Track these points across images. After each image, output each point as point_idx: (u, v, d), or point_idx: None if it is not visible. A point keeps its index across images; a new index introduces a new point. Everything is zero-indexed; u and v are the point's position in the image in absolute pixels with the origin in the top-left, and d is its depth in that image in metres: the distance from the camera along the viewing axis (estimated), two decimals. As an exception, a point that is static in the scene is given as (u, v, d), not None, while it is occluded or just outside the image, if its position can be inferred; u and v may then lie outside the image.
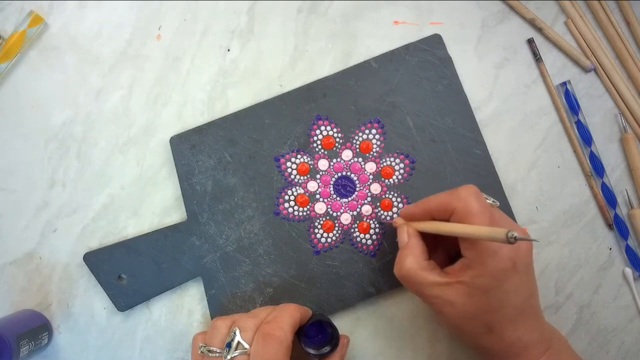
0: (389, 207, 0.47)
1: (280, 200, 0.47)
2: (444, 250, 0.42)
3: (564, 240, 0.49)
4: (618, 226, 0.48)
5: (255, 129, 0.47)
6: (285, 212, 0.47)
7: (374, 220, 0.47)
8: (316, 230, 0.47)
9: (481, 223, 0.35)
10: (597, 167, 0.48)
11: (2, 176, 0.48)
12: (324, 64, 0.49)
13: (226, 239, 0.47)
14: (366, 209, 0.47)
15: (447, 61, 0.47)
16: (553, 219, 0.49)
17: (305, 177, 0.47)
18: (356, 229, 0.47)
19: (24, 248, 0.48)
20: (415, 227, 0.40)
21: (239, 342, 0.38)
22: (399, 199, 0.47)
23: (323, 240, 0.47)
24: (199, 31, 0.49)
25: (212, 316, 0.46)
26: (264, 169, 0.47)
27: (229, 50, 0.49)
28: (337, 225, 0.47)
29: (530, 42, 0.49)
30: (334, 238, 0.47)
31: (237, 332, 0.39)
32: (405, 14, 0.49)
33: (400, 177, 0.47)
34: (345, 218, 0.47)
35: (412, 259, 0.38)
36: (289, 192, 0.47)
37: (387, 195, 0.47)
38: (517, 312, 0.36)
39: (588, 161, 0.49)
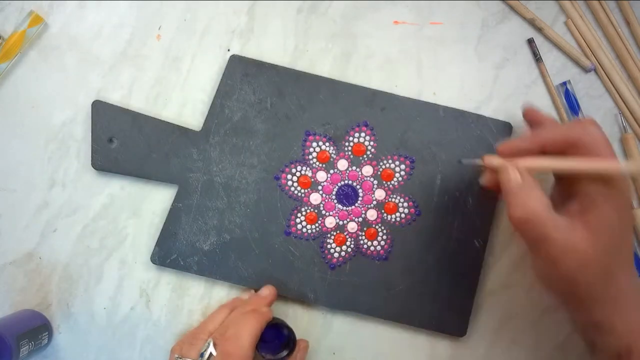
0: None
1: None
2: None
3: (564, 240, 0.49)
4: (618, 226, 0.48)
5: (307, 96, 0.47)
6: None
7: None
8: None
9: (609, 154, 0.33)
10: None
11: (2, 176, 0.48)
12: (324, 64, 0.49)
13: (220, 170, 0.47)
14: (352, 227, 0.47)
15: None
16: (553, 219, 0.49)
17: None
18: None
19: (24, 248, 0.48)
20: (525, 165, 0.35)
21: (211, 354, 0.39)
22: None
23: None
24: (199, 31, 0.49)
25: (164, 227, 0.47)
26: (291, 135, 0.47)
27: (229, 50, 0.49)
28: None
29: (530, 42, 0.49)
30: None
31: (211, 344, 0.39)
32: (405, 14, 0.49)
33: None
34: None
35: (537, 198, 0.33)
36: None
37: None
38: (630, 257, 0.35)
39: None
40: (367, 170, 0.47)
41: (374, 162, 0.47)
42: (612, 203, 0.33)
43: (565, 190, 0.37)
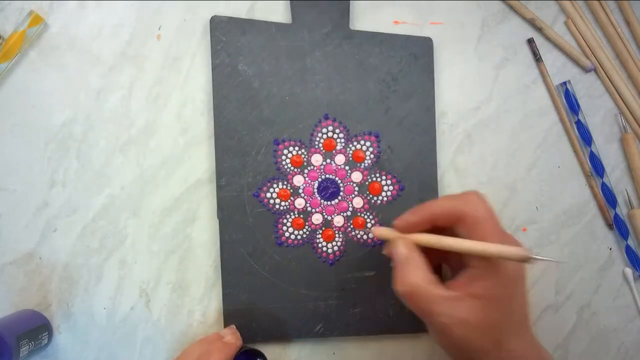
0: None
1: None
2: (430, 261, 0.39)
3: (564, 240, 0.49)
4: (618, 226, 0.48)
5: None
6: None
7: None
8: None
9: (493, 230, 0.34)
10: (597, 167, 0.48)
11: (2, 176, 0.48)
12: None
13: None
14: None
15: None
16: (553, 219, 0.49)
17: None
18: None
19: (24, 248, 0.48)
20: (415, 240, 0.37)
21: None
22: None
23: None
24: (199, 31, 0.49)
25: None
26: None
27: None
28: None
29: (530, 42, 0.49)
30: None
31: None
32: (405, 14, 0.49)
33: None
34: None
35: (418, 272, 0.35)
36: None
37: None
38: (522, 322, 0.35)
39: (588, 161, 0.49)
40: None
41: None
42: (497, 275, 0.34)
43: (457, 261, 0.38)
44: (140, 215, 0.48)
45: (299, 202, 0.47)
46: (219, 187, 0.46)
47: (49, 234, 0.48)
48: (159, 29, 0.49)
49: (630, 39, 0.49)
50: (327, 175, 0.47)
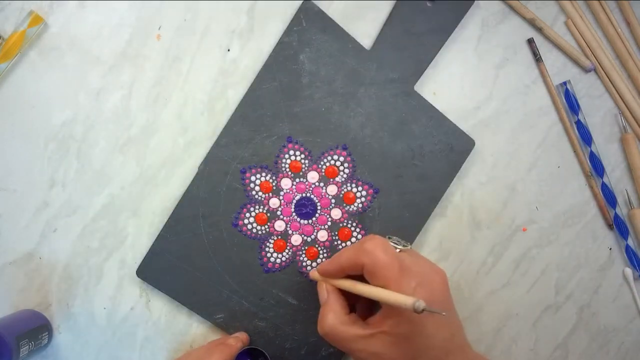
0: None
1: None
2: (366, 299, 0.42)
3: (564, 240, 0.49)
4: (618, 226, 0.48)
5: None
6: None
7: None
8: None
9: (390, 276, 0.35)
10: (597, 167, 0.48)
11: (2, 176, 0.48)
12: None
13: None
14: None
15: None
16: (553, 219, 0.49)
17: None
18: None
19: (24, 248, 0.48)
20: (333, 284, 0.40)
21: None
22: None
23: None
24: (199, 31, 0.49)
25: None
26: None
27: (229, 50, 0.49)
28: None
29: (530, 42, 0.49)
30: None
31: None
32: (405, 14, 0.49)
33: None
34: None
35: (332, 315, 0.38)
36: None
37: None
38: (444, 353, 0.36)
39: (588, 161, 0.49)
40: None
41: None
42: (403, 315, 0.35)
43: (374, 302, 0.40)
44: (140, 215, 0.48)
45: (274, 202, 0.47)
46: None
47: (49, 234, 0.48)
48: (159, 29, 0.49)
49: (630, 39, 0.49)
50: (312, 196, 0.47)
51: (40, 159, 0.48)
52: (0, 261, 0.48)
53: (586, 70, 0.49)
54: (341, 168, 0.47)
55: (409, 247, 0.40)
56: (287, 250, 0.47)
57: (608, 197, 0.48)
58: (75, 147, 0.48)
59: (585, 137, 0.48)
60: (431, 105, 0.47)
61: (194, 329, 0.48)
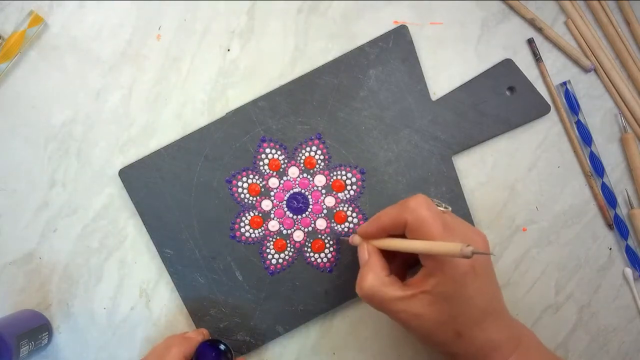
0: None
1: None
2: (402, 260, 0.42)
3: (564, 240, 0.49)
4: (618, 226, 0.48)
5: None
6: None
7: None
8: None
9: (435, 232, 0.35)
10: (597, 167, 0.48)
11: (2, 176, 0.48)
12: (324, 64, 0.49)
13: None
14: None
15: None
16: (553, 219, 0.49)
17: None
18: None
19: (24, 248, 0.48)
20: (374, 245, 0.40)
21: None
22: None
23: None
24: (199, 31, 0.49)
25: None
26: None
27: (229, 50, 0.49)
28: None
29: (530, 42, 0.49)
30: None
31: None
32: (405, 14, 0.49)
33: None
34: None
35: (372, 276, 0.38)
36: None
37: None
38: (483, 314, 0.36)
39: (588, 161, 0.49)
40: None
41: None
42: (444, 272, 0.35)
43: (412, 259, 0.42)
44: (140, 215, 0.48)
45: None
46: None
47: (49, 234, 0.48)
48: (159, 29, 0.49)
49: (630, 39, 0.49)
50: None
51: (40, 159, 0.48)
52: (0, 261, 0.48)
53: (586, 70, 0.49)
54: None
55: (449, 209, 0.39)
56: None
57: (608, 197, 0.48)
58: (75, 147, 0.48)
59: (585, 137, 0.48)
60: (457, 180, 0.47)
61: (193, 329, 0.48)
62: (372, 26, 0.49)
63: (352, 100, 0.47)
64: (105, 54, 0.48)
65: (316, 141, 0.47)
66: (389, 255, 0.40)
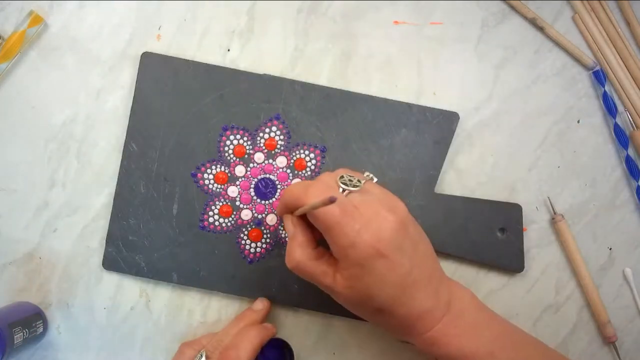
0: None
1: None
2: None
3: (564, 241, 0.49)
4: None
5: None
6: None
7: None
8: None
9: (330, 219, 0.35)
10: (632, 170, 0.48)
11: (2, 176, 0.48)
12: (323, 64, 0.49)
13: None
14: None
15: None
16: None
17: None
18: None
19: (24, 248, 0.48)
20: (295, 214, 0.39)
21: None
22: None
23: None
24: (199, 31, 0.49)
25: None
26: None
27: (229, 50, 0.49)
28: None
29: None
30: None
31: (204, 355, 0.41)
32: (405, 14, 0.49)
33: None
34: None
35: (299, 250, 0.38)
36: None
37: None
38: (399, 291, 0.36)
39: (624, 164, 0.48)
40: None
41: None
42: (349, 259, 0.35)
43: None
44: (140, 215, 0.48)
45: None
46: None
47: (49, 234, 0.48)
48: (159, 29, 0.49)
49: (630, 39, 0.49)
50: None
51: (40, 159, 0.48)
52: (0, 261, 0.48)
53: (588, 69, 0.49)
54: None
55: (362, 183, 0.37)
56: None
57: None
58: (75, 147, 0.48)
59: (623, 140, 0.48)
60: None
61: (194, 329, 0.48)
62: (372, 26, 0.49)
63: (370, 140, 0.47)
64: (105, 54, 0.48)
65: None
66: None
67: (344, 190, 0.37)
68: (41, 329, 0.46)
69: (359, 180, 0.37)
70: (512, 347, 0.39)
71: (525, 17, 0.49)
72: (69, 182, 0.48)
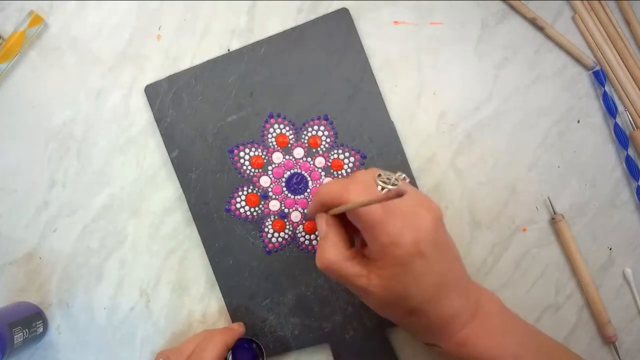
0: None
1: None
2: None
3: (564, 240, 0.49)
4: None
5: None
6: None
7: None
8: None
9: (373, 218, 0.35)
10: (633, 170, 0.48)
11: (2, 176, 0.48)
12: None
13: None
14: None
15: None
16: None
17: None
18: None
19: (24, 248, 0.48)
20: (332, 213, 0.38)
21: None
22: None
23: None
24: (199, 31, 0.49)
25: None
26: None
27: (229, 50, 0.49)
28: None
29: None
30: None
31: None
32: (405, 14, 0.49)
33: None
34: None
35: (333, 250, 0.37)
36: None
37: None
38: (435, 291, 0.36)
39: (624, 164, 0.48)
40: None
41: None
42: (389, 258, 0.35)
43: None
44: (140, 215, 0.48)
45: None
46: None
47: (49, 234, 0.48)
48: (159, 29, 0.49)
49: (630, 39, 0.49)
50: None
51: (40, 159, 0.48)
52: (0, 261, 0.48)
53: (588, 69, 0.49)
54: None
55: (398, 183, 0.37)
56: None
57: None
58: (75, 147, 0.48)
59: (623, 140, 0.48)
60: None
61: (194, 329, 0.48)
62: (372, 26, 0.49)
63: None
64: (105, 54, 0.48)
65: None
66: (351, 229, 0.39)
67: (382, 188, 0.36)
68: (41, 329, 0.46)
69: (396, 179, 0.37)
70: (536, 350, 0.39)
71: (525, 17, 0.49)
72: (69, 182, 0.48)
